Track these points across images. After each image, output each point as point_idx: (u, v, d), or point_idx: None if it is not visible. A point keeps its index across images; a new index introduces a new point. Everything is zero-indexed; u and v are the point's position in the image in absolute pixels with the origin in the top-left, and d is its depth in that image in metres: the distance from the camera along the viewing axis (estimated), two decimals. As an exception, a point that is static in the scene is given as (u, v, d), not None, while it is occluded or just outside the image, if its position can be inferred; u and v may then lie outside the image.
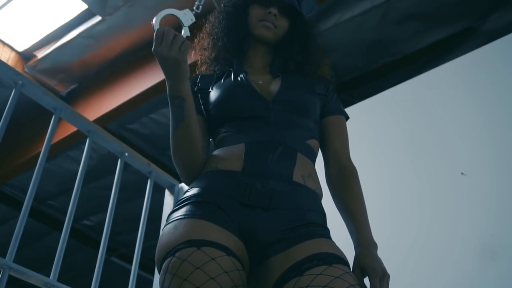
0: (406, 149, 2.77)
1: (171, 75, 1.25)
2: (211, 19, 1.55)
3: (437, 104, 2.79)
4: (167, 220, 1.22)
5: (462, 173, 2.43)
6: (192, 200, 1.21)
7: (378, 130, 2.92)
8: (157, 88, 3.78)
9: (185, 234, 1.13)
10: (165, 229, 1.19)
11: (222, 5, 1.55)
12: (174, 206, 1.25)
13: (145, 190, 2.43)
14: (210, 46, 1.52)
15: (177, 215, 1.20)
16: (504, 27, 3.55)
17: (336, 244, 1.20)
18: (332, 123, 1.43)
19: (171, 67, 1.23)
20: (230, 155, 1.28)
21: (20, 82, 1.99)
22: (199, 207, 1.19)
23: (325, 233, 1.21)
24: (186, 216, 1.18)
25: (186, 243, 1.11)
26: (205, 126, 1.40)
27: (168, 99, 1.28)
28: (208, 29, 1.53)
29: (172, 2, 3.60)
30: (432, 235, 2.43)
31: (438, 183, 2.56)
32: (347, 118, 1.48)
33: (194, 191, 1.24)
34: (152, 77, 3.80)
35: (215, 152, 1.33)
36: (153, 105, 4.20)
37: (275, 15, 1.43)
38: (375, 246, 1.25)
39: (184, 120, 1.27)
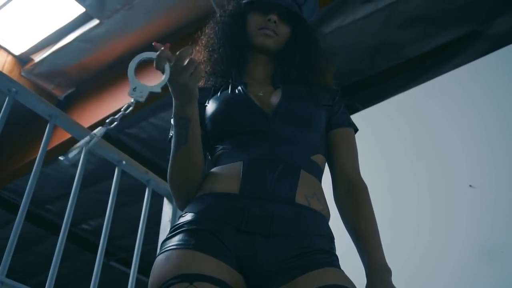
0: (408, 157, 2.78)
1: (179, 97, 1.16)
2: (207, 30, 1.45)
3: (441, 113, 2.78)
4: (160, 248, 1.14)
5: (470, 186, 2.40)
6: (185, 228, 1.12)
7: (381, 138, 2.90)
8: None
9: (177, 268, 1.05)
10: (157, 259, 1.11)
11: (218, 15, 1.46)
12: (169, 233, 1.16)
13: (144, 194, 2.38)
14: (205, 59, 1.42)
15: (169, 245, 1.11)
16: (510, 31, 3.50)
17: (346, 265, 1.13)
18: (339, 136, 1.33)
19: (179, 91, 1.14)
20: (227, 175, 1.19)
21: (14, 89, 1.94)
22: (192, 236, 1.10)
23: (332, 261, 1.11)
24: (178, 247, 1.09)
25: (178, 277, 1.03)
26: (204, 145, 1.30)
27: (173, 119, 1.20)
28: (204, 41, 1.44)
29: (170, 5, 3.58)
30: (433, 237, 2.43)
31: (439, 189, 2.55)
32: (356, 130, 1.38)
33: (188, 217, 1.15)
34: (151, 81, 3.73)
35: (212, 171, 1.24)
36: (153, 109, 4.15)
37: (275, 22, 1.34)
38: (388, 272, 1.14)
39: (188, 143, 1.18)
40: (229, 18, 1.43)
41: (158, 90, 1.08)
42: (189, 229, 1.12)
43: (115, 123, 1.10)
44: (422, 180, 2.64)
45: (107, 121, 1.09)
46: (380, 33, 3.66)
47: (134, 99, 1.07)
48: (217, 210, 1.13)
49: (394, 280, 1.15)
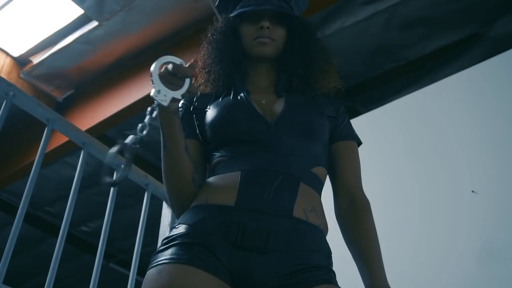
0: (409, 160, 2.76)
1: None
2: (201, 53, 1.40)
3: (443, 118, 2.77)
4: (151, 261, 1.10)
5: (472, 191, 2.38)
6: (178, 241, 1.09)
7: (382, 142, 2.89)
8: (156, 94, 3.69)
9: (169, 283, 1.01)
10: (148, 273, 1.07)
11: (210, 34, 1.41)
12: (161, 245, 1.11)
13: (144, 196, 2.36)
14: (204, 80, 1.38)
15: (161, 258, 1.07)
16: (511, 33, 3.49)
17: (343, 278, 1.11)
18: (342, 149, 1.29)
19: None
20: (223, 185, 1.15)
21: (11, 93, 1.92)
22: (185, 250, 1.06)
23: (329, 278, 1.08)
24: (171, 261, 1.05)
25: None
26: (201, 153, 1.27)
27: None
28: (200, 64, 1.39)
29: (169, 7, 3.57)
30: (434, 239, 2.44)
31: (441, 193, 2.55)
32: (359, 143, 1.34)
33: (181, 229, 1.11)
34: (150, 83, 3.72)
35: (209, 181, 1.20)
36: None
37: (268, 27, 1.30)
38: None
39: (167, 148, 1.15)
40: (221, 35, 1.38)
41: (179, 97, 1.05)
42: (182, 243, 1.08)
43: (146, 129, 1.04)
44: (423, 184, 2.63)
45: (138, 127, 1.04)
46: (380, 35, 3.64)
47: (157, 102, 1.03)
48: (212, 224, 1.09)
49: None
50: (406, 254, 2.43)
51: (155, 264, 1.07)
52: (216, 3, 1.44)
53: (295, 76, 1.33)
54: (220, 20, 1.41)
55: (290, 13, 1.34)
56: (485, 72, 2.73)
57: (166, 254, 1.07)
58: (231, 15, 1.39)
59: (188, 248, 1.07)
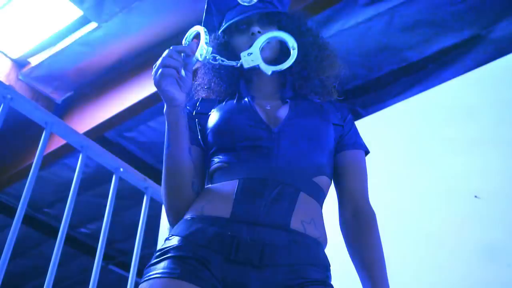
0: (412, 163, 2.75)
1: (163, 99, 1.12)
2: (198, 74, 1.37)
3: (445, 120, 2.75)
4: (144, 273, 1.08)
5: (475, 196, 2.37)
6: (171, 254, 1.06)
7: (384, 145, 2.87)
8: (155, 96, 3.68)
9: None
10: (140, 287, 1.05)
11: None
12: (154, 257, 1.09)
13: (143, 199, 2.36)
14: (204, 95, 1.36)
15: (154, 272, 1.04)
16: (513, 34, 3.47)
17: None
18: (349, 158, 1.26)
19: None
20: (219, 195, 1.11)
21: (9, 96, 1.92)
22: (178, 264, 1.03)
23: None
24: (163, 275, 1.02)
25: None
26: (202, 159, 1.24)
27: None
28: (199, 81, 1.37)
29: (168, 9, 3.55)
30: (435, 243, 2.42)
31: (441, 195, 2.53)
32: (367, 152, 1.31)
33: (174, 241, 1.08)
34: (149, 85, 3.70)
35: (206, 190, 1.17)
36: (151, 113, 4.11)
37: (259, 32, 1.27)
38: None
39: (170, 147, 1.13)
40: (215, 51, 1.34)
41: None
42: (174, 256, 1.05)
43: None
44: (425, 188, 2.61)
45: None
46: (381, 37, 3.62)
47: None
48: (205, 236, 1.06)
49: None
50: (407, 258, 2.41)
51: (147, 278, 1.05)
52: (202, 24, 1.42)
53: (295, 75, 1.30)
54: (211, 40, 1.38)
55: (276, 11, 1.31)
56: (488, 75, 2.71)
57: (159, 268, 1.05)
58: (219, 31, 1.36)
59: (180, 261, 1.04)
